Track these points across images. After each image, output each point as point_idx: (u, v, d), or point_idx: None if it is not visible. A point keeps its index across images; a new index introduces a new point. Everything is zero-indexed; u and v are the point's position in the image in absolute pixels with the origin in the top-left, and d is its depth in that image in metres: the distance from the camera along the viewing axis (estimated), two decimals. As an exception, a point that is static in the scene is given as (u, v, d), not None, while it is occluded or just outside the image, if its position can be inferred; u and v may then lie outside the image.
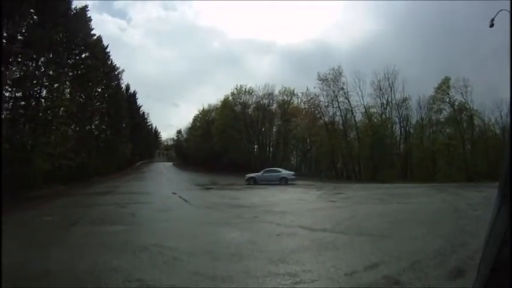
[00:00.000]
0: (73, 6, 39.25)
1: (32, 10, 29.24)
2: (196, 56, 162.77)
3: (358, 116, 62.68)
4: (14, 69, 27.57)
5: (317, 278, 8.16)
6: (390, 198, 25.59)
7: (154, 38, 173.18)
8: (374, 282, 7.71)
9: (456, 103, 57.83)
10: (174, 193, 29.62)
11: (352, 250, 10.67)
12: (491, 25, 26.91)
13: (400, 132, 63.59)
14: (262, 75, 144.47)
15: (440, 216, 16.97)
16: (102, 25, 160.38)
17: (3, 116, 27.77)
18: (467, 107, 57.11)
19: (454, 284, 7.49)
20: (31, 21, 29.98)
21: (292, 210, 19.86)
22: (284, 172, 44.21)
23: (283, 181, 41.50)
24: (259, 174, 44.15)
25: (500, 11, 25.66)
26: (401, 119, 62.74)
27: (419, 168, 58.66)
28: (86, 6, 42.90)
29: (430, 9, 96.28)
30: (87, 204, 24.35)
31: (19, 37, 29.10)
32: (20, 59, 28.86)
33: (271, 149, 71.47)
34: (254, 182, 41.71)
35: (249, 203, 23.38)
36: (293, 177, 43.26)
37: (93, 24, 45.50)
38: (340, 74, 60.94)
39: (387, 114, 62.17)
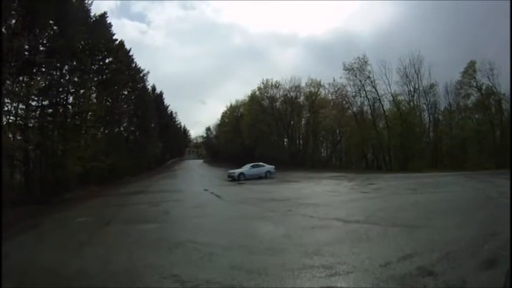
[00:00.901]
0: (92, 14, 39.90)
1: (51, 21, 29.44)
2: (220, 53, 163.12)
3: (386, 105, 61.03)
4: (38, 79, 27.86)
5: (352, 269, 8.17)
6: (421, 187, 25.16)
7: (176, 37, 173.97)
8: (408, 273, 7.67)
9: (483, 87, 55.73)
10: (206, 189, 29.86)
11: (386, 241, 10.63)
12: (513, 2, 26.23)
13: (429, 119, 61.81)
14: (287, 68, 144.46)
15: (471, 206, 16.67)
16: (122, 30, 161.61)
17: (30, 125, 28.13)
18: (495, 91, 54.95)
19: (486, 274, 7.41)
20: (51, 32, 30.34)
21: (325, 202, 19.85)
22: (267, 166, 44.18)
23: (268, 174, 42.21)
24: (247, 169, 43.24)
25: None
26: (429, 106, 60.80)
27: (450, 156, 56.68)
28: (105, 13, 43.64)
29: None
30: (119, 204, 24.83)
31: (41, 48, 29.48)
32: (44, 69, 29.27)
33: (300, 142, 70.70)
34: (244, 177, 40.60)
35: (281, 196, 23.33)
36: (274, 170, 43.58)
37: (113, 29, 46.39)
38: (366, 62, 59.33)
39: (415, 102, 60.15)
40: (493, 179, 28.58)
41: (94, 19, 40.01)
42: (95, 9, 56.56)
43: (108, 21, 44.15)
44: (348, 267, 8.27)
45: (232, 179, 40.56)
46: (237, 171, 41.91)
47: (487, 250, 8.83)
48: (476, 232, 10.78)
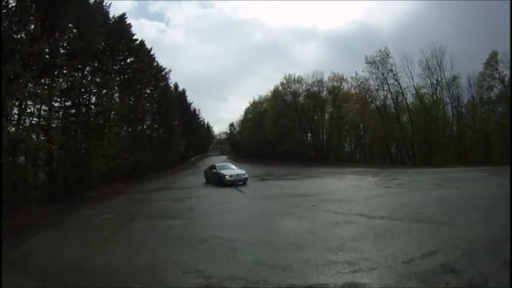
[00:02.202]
0: (111, 16, 40.55)
1: (70, 25, 29.91)
2: (241, 49, 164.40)
3: (410, 98, 60.11)
4: (60, 80, 28.20)
5: (375, 266, 8.19)
6: (445, 183, 24.71)
7: (196, 36, 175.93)
8: (431, 270, 7.64)
9: (506, 79, 53.53)
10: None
11: (409, 237, 10.58)
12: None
13: (452, 113, 60.60)
14: (308, 63, 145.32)
15: (495, 202, 16.19)
16: (141, 30, 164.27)
17: (54, 125, 28.60)
18: None
19: (508, 273, 7.25)
20: (71, 35, 31.00)
21: (349, 197, 19.85)
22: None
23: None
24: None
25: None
26: (452, 98, 59.37)
27: (473, 151, 55.29)
28: (124, 14, 44.23)
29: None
30: (144, 200, 25.33)
31: (62, 51, 30.00)
32: (65, 71, 29.85)
33: (324, 137, 70.74)
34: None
35: (306, 192, 23.35)
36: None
37: (132, 29, 46.61)
38: (388, 55, 58.65)
39: (438, 95, 59.02)
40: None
41: (113, 20, 40.70)
42: (113, 11, 57.07)
43: (127, 22, 44.63)
44: (372, 263, 8.30)
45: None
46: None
47: (510, 248, 8.69)
48: (499, 230, 10.59)
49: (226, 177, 30.55)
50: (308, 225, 12.85)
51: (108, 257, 10.24)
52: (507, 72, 53.07)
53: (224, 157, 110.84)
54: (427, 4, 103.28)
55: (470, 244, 9.23)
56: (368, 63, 59.47)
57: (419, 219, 12.78)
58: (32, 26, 24.42)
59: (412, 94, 59.38)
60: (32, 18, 24.39)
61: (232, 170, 33.06)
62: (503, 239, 9.50)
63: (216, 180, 32.02)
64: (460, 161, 49.52)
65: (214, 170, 33.58)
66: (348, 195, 21.06)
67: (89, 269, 9.30)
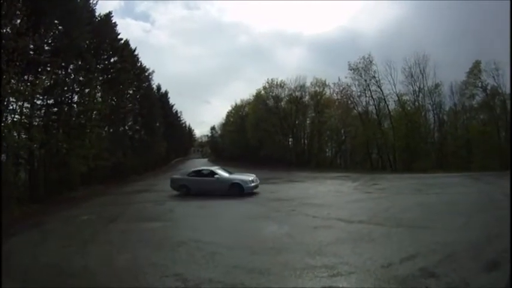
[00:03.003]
0: (97, 14, 39.97)
1: (56, 21, 29.65)
2: (225, 52, 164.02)
3: (392, 105, 60.58)
4: (44, 78, 27.92)
5: (354, 270, 8.28)
6: (426, 188, 25.10)
7: (181, 37, 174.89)
8: (410, 275, 7.76)
9: (488, 87, 55.31)
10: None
11: (388, 242, 10.71)
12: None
13: (434, 120, 61.18)
14: (292, 67, 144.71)
15: (476, 207, 16.57)
16: (126, 29, 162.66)
17: (35, 124, 28.31)
18: (500, 91, 54.43)
19: (489, 276, 7.45)
20: (57, 32, 30.62)
21: (329, 202, 19.91)
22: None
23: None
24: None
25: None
26: (434, 106, 60.03)
27: (455, 157, 56.17)
28: (110, 12, 43.77)
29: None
30: (124, 202, 25.03)
31: (46, 47, 29.67)
32: (49, 68, 29.46)
33: (305, 142, 70.45)
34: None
35: (286, 196, 23.40)
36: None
37: (117, 29, 46.18)
38: (371, 62, 58.84)
39: (420, 102, 59.68)
40: (497, 180, 28.47)
41: (99, 19, 40.21)
42: (100, 9, 56.80)
43: (113, 21, 44.21)
44: (350, 267, 8.38)
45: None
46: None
47: (489, 252, 8.85)
48: (479, 234, 10.83)
49: (248, 184, 25.03)
50: (287, 230, 12.95)
51: (88, 259, 10.26)
52: (490, 81, 54.45)
53: (204, 160, 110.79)
54: (413, 13, 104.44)
55: (450, 248, 9.38)
56: (351, 70, 59.81)
57: (399, 224, 12.96)
58: (18, 21, 24.27)
59: (394, 101, 60.01)
60: (18, 12, 24.23)
61: (244, 175, 27.13)
62: (483, 243, 9.68)
63: (213, 189, 25.21)
64: (441, 167, 50.08)
65: (214, 177, 26.01)
66: (328, 199, 21.16)
67: (68, 270, 9.30)
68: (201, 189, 25.80)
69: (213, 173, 26.47)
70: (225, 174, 26.74)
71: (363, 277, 7.83)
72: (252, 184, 25.30)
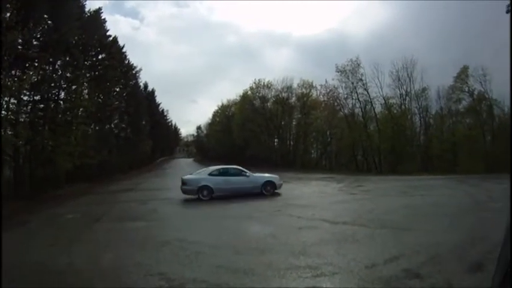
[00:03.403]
0: (86, 9, 39.76)
1: (45, 16, 29.46)
2: (213, 52, 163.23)
3: (378, 108, 61.42)
4: (31, 73, 27.74)
5: (338, 270, 8.28)
6: (411, 190, 25.27)
7: (169, 35, 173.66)
8: (394, 276, 7.75)
9: (475, 92, 56.20)
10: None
11: (372, 243, 10.78)
12: (508, 11, 26.34)
13: (420, 123, 61.79)
14: (280, 68, 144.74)
15: (460, 209, 16.71)
16: (115, 26, 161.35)
17: (22, 120, 28.09)
18: (487, 96, 55.36)
19: (473, 278, 7.48)
20: (46, 27, 30.36)
21: (314, 203, 19.91)
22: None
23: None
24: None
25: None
26: (420, 109, 60.65)
27: (440, 160, 56.85)
28: (100, 8, 43.37)
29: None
30: (109, 201, 24.88)
31: (35, 42, 29.46)
32: (36, 64, 29.23)
33: (291, 143, 70.86)
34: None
35: (270, 197, 23.33)
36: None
37: (106, 25, 45.98)
38: (359, 65, 59.55)
39: (407, 105, 60.41)
40: (482, 183, 28.70)
41: (88, 15, 39.87)
42: (90, 5, 56.48)
43: (102, 17, 43.98)
44: (334, 268, 8.39)
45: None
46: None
47: (474, 253, 8.92)
48: (464, 236, 10.90)
49: (279, 181, 25.01)
50: (271, 230, 12.94)
51: (72, 258, 10.17)
52: (477, 86, 55.34)
53: (190, 160, 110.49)
54: (402, 17, 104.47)
55: (435, 250, 9.42)
56: (338, 72, 60.35)
57: (383, 226, 13.02)
58: (8, 14, 24.11)
59: (381, 104, 60.59)
60: (8, 5, 24.07)
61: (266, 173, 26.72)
62: (467, 244, 9.77)
63: (244, 189, 23.56)
64: (426, 170, 50.54)
65: (245, 176, 24.34)
66: (313, 200, 21.23)
67: (53, 269, 9.26)
68: (229, 190, 23.54)
69: (241, 171, 24.80)
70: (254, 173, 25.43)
71: (346, 278, 7.85)
72: (281, 182, 25.24)
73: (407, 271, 7.95)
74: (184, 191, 23.19)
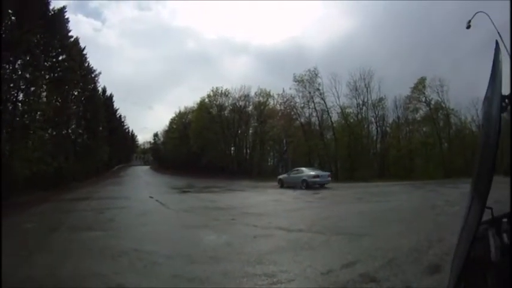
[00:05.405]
0: (51, 7, 38.66)
1: (10, 11, 28.99)
2: (172, 57, 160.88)
3: (335, 117, 62.95)
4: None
5: (294, 277, 8.38)
6: (367, 196, 25.97)
7: (129, 39, 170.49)
8: (350, 280, 7.91)
9: (432, 102, 58.79)
10: (151, 197, 29.36)
11: (328, 249, 10.96)
12: (468, 26, 27.12)
13: (377, 131, 63.86)
14: (238, 77, 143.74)
15: (417, 213, 17.34)
16: (77, 26, 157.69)
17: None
18: (443, 106, 58.16)
19: (431, 279, 7.70)
20: (9, 23, 29.73)
21: (269, 211, 20.20)
22: (306, 173, 36.71)
23: (304, 184, 34.95)
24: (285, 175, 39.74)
25: (477, 13, 25.99)
26: (377, 118, 63.01)
27: (397, 167, 58.87)
28: (64, 7, 42.05)
29: (406, 9, 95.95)
30: (66, 210, 24.02)
31: (-5, 40, 28.58)
32: (-4, 63, 28.41)
33: (248, 151, 71.39)
34: (281, 184, 38.37)
35: (226, 205, 23.49)
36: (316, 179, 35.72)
37: (69, 25, 44.58)
38: (316, 75, 61.20)
39: (363, 115, 62.40)
40: (439, 188, 29.73)
41: (52, 13, 38.80)
42: (53, 3, 55.62)
43: (65, 17, 42.79)
44: (290, 275, 8.49)
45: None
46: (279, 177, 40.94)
47: (432, 256, 9.20)
48: (421, 239, 11.23)
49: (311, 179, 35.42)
50: (227, 239, 12.96)
51: (31, 269, 9.88)
52: (434, 96, 58.38)
53: (146, 167, 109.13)
54: (362, 29, 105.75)
55: (391, 254, 9.65)
56: (296, 81, 61.61)
57: (339, 232, 13.26)
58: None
59: (337, 113, 62.13)
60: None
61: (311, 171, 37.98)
62: (424, 247, 10.08)
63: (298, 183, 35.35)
64: (383, 176, 51.81)
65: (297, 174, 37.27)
66: (268, 209, 21.51)
67: (8, 280, 9.14)
68: (292, 183, 36.43)
69: (300, 171, 37.53)
70: (311, 173, 36.61)
71: (302, 284, 7.98)
72: (317, 179, 35.39)
73: (363, 275, 8.11)
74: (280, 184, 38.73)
